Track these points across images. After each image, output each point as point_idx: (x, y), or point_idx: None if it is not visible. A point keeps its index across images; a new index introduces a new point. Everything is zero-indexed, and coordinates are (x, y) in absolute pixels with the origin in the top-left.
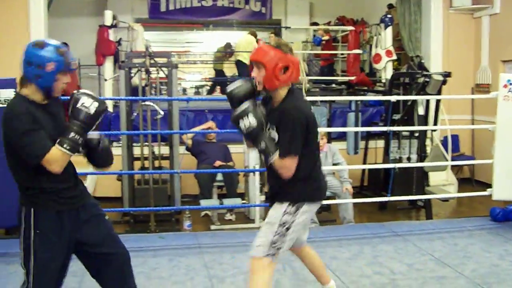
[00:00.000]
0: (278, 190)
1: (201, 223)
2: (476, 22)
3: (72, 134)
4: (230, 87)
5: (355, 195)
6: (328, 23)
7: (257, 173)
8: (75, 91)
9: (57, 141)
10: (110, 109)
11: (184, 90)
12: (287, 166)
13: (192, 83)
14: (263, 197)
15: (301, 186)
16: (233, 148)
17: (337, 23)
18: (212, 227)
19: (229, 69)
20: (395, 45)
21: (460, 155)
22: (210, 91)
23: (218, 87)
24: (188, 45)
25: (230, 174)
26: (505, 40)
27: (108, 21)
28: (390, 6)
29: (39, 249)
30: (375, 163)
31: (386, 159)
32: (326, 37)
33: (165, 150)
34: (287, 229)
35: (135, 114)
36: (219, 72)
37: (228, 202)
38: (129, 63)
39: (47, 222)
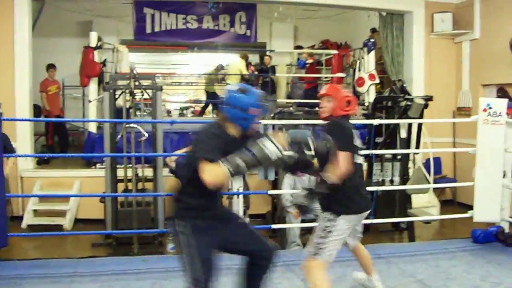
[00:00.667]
0: (325, 203)
1: None
2: (457, 47)
3: (239, 161)
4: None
5: None
6: (312, 47)
7: (240, 196)
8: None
9: (224, 159)
10: (94, 130)
11: (169, 112)
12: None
13: (177, 105)
14: (246, 220)
15: (340, 200)
16: None
17: (321, 46)
18: None
19: (221, 91)
20: (378, 68)
21: (442, 177)
22: (201, 113)
23: (207, 109)
24: (173, 67)
25: None
26: (485, 65)
27: (93, 42)
28: (373, 30)
29: (200, 252)
30: None
31: (369, 182)
32: (310, 60)
33: (149, 172)
34: (329, 232)
35: (119, 136)
36: (211, 94)
37: None
38: (113, 85)
39: (200, 231)
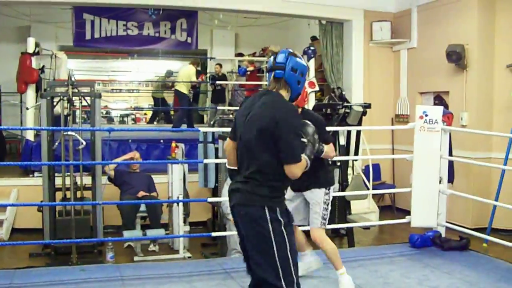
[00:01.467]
0: (314, 180)
1: (124, 255)
2: (395, 55)
3: (310, 149)
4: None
5: None
6: (253, 54)
7: (180, 204)
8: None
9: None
10: (32, 138)
11: (111, 119)
12: (332, 148)
13: (118, 112)
14: (187, 228)
15: (327, 175)
16: (157, 179)
17: (262, 54)
18: (136, 258)
19: (170, 97)
20: (318, 76)
21: (381, 184)
22: (152, 120)
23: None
24: (113, 73)
25: (154, 204)
26: (422, 73)
27: (30, 48)
28: (314, 38)
29: (290, 239)
30: None
31: None
32: (250, 68)
33: (87, 180)
34: (328, 204)
35: (56, 143)
36: (159, 100)
37: (151, 233)
38: (50, 92)
39: (284, 215)
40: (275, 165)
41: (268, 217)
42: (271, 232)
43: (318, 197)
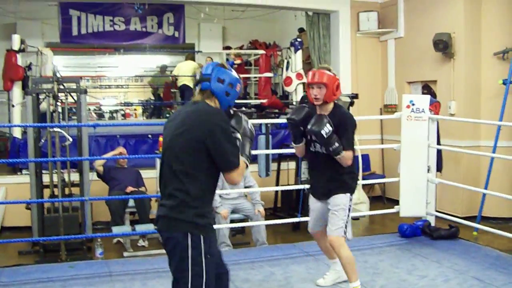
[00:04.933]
0: (339, 185)
1: (113, 251)
2: (383, 45)
3: (248, 149)
4: (292, 115)
5: (269, 217)
6: (241, 47)
7: None
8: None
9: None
10: (19, 135)
11: (101, 115)
12: (351, 156)
13: (107, 108)
14: None
15: (352, 179)
16: (146, 174)
17: (249, 47)
18: (125, 254)
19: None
20: (305, 68)
21: (371, 174)
22: (151, 116)
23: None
24: (101, 69)
25: (142, 199)
26: (409, 62)
27: (15, 45)
28: (301, 30)
29: (209, 271)
30: (288, 184)
31: (297, 180)
32: (238, 61)
33: (75, 177)
34: (349, 210)
35: (43, 140)
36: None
37: (140, 228)
38: (35, 89)
39: (212, 245)
40: (203, 181)
41: (189, 244)
42: (190, 261)
43: (344, 203)
